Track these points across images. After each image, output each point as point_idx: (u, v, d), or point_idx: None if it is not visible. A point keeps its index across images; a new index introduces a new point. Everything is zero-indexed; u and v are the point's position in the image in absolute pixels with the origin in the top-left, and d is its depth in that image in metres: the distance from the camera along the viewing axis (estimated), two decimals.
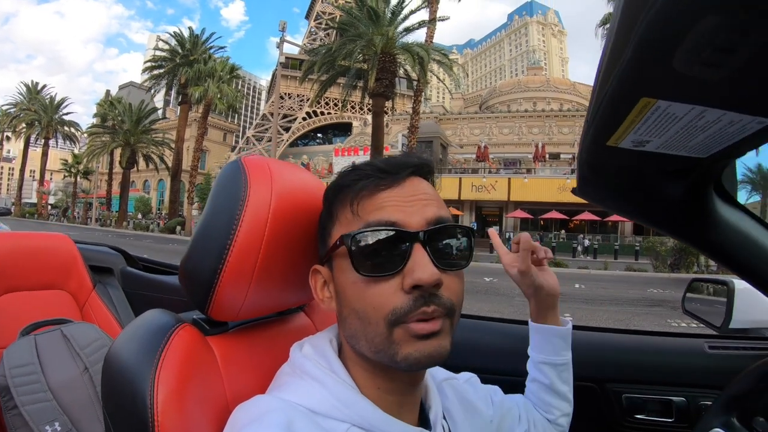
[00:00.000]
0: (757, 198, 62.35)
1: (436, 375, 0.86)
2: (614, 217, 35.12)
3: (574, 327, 1.06)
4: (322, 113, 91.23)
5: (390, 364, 0.64)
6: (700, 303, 1.68)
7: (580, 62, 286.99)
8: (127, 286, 2.19)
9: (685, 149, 0.70)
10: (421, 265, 0.62)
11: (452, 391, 0.85)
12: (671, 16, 0.41)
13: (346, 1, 43.37)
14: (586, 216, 35.46)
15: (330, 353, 0.70)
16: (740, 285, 1.39)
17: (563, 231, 37.57)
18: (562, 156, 50.51)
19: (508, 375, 1.00)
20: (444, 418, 0.78)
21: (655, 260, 20.68)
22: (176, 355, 0.68)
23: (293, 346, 0.73)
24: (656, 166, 0.79)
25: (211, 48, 39.03)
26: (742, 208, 1.03)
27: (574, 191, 0.99)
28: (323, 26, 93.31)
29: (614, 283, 16.10)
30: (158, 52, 39.77)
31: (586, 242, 31.94)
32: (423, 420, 0.74)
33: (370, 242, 0.63)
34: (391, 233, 0.63)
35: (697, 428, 1.06)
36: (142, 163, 47.24)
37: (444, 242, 0.67)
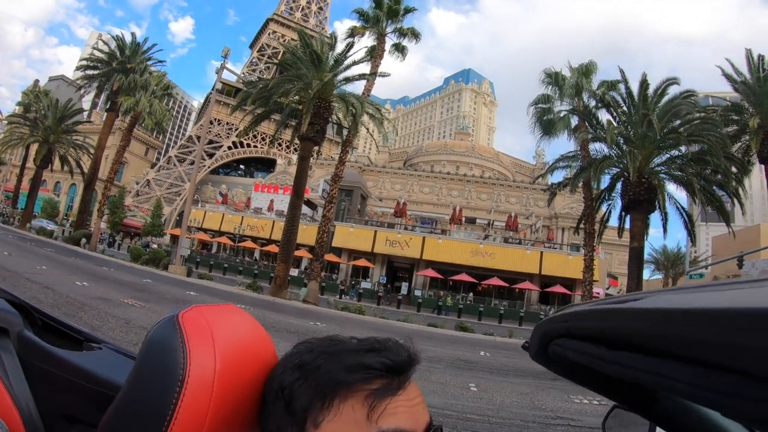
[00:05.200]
0: (659, 276, 67.24)
1: None
2: (522, 284, 36.47)
3: None
4: (249, 145, 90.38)
5: None
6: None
7: (506, 133, 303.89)
8: (24, 354, 1.85)
9: None
10: None
11: None
12: None
13: (291, 39, 43.56)
14: (495, 281, 36.74)
15: None
16: None
17: (471, 294, 38.49)
18: (478, 221, 52.39)
19: None
20: None
21: None
22: None
23: None
24: None
25: (150, 60, 37.80)
26: None
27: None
28: (265, 59, 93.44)
29: (519, 352, 16.30)
30: (96, 52, 38.00)
31: None
32: None
33: None
34: None
35: None
36: (57, 163, 44.72)
37: None
